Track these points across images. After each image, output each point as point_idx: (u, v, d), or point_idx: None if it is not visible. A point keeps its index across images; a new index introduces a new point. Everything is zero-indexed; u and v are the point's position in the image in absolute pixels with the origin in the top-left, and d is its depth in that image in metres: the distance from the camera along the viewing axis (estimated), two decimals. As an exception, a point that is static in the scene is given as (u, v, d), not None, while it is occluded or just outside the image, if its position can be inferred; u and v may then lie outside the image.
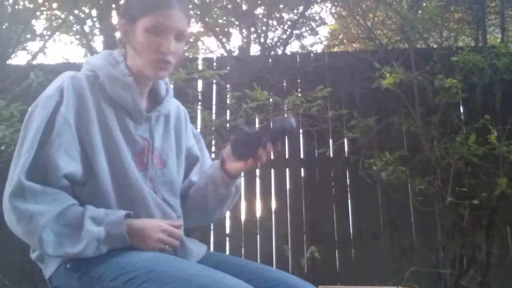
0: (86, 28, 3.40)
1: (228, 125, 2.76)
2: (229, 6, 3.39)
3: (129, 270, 0.94)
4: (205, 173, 1.26)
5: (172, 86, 1.30)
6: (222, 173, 1.16)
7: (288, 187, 3.10)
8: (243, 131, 1.10)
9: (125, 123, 1.11)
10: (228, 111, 2.99)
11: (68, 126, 1.03)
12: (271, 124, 1.12)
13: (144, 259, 0.97)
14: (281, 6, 3.44)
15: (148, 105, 1.20)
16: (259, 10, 3.49)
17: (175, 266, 0.94)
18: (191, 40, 3.38)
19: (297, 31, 3.61)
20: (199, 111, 2.71)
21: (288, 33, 3.50)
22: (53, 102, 1.03)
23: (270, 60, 3.31)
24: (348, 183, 3.07)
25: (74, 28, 3.52)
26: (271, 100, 2.69)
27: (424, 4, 2.80)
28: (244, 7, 3.39)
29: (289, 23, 3.54)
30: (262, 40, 3.37)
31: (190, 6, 3.23)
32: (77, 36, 3.61)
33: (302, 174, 3.13)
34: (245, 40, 3.37)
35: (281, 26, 3.54)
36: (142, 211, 1.08)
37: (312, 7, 3.55)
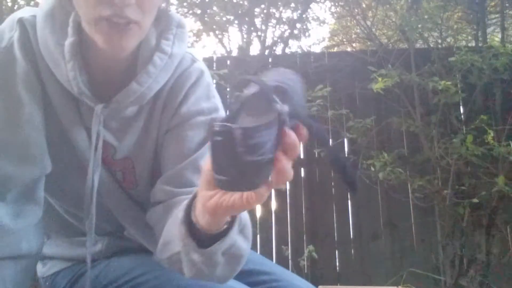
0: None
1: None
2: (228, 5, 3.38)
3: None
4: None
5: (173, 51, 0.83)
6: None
7: (288, 187, 3.09)
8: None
9: None
10: (228, 112, 2.96)
11: None
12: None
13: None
14: (280, 4, 3.43)
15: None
16: (259, 9, 3.47)
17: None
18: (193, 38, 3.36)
19: (297, 31, 3.60)
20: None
21: (287, 32, 3.49)
22: None
23: (270, 60, 3.30)
24: (348, 183, 3.07)
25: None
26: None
27: (424, 6, 2.80)
28: (244, 6, 3.38)
29: (288, 22, 3.53)
30: (261, 39, 3.37)
31: (189, 1, 3.23)
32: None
33: (302, 174, 3.12)
34: (245, 39, 3.36)
35: (280, 26, 3.53)
36: None
37: (312, 5, 3.54)
